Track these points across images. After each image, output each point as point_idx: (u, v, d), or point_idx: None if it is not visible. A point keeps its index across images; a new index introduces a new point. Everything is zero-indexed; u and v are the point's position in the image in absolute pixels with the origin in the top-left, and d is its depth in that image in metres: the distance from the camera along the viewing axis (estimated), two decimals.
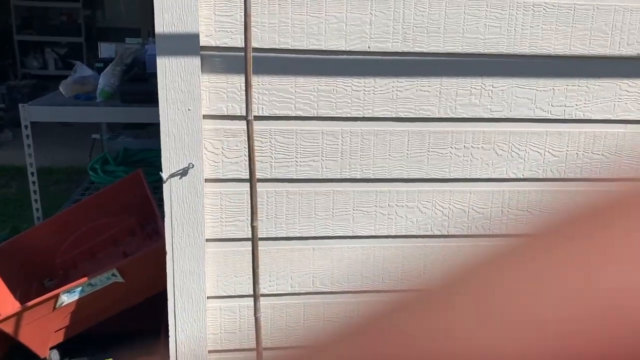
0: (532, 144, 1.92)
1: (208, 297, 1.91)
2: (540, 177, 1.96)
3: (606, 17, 1.83)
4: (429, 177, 1.92)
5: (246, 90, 1.46)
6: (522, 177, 1.95)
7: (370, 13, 1.75)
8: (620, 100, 1.91)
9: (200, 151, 1.77)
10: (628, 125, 1.94)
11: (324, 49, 1.76)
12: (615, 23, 1.84)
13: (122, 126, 5.62)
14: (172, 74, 1.70)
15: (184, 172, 1.78)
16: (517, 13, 1.80)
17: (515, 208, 1.98)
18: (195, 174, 1.78)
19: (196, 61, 1.69)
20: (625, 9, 1.83)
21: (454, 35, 1.79)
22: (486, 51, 1.82)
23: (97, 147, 5.54)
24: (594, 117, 1.91)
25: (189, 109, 1.72)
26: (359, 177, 1.89)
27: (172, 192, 1.79)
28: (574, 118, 1.91)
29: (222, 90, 1.76)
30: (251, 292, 1.69)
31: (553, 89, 1.88)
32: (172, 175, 1.77)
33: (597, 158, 1.96)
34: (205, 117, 1.77)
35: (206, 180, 1.82)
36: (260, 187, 1.84)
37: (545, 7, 1.81)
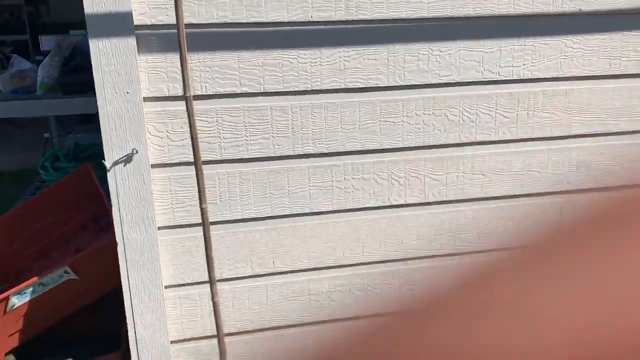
0: (483, 107, 1.92)
1: (166, 287, 1.85)
2: (494, 139, 1.96)
3: None
4: (383, 147, 1.89)
5: (182, 66, 1.39)
6: (475, 140, 1.94)
7: None
8: (566, 57, 1.92)
9: (144, 136, 1.69)
10: (575, 81, 1.95)
11: (265, 21, 1.70)
12: None
13: (74, 122, 5.43)
14: (106, 56, 1.61)
15: (127, 159, 1.70)
16: None
17: (470, 172, 1.97)
18: (140, 160, 1.70)
19: (131, 41, 1.60)
20: None
21: (398, 1, 1.75)
22: (431, 15, 1.79)
23: (49, 146, 5.33)
24: (541, 76, 1.92)
25: (127, 92, 1.64)
26: (312, 152, 1.84)
27: (118, 181, 1.71)
28: (522, 78, 1.91)
29: (162, 70, 1.68)
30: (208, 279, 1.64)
31: (500, 49, 1.87)
32: (115, 163, 1.69)
33: (547, 117, 1.97)
34: (146, 99, 1.69)
35: (153, 166, 1.74)
36: (210, 170, 1.78)
37: None
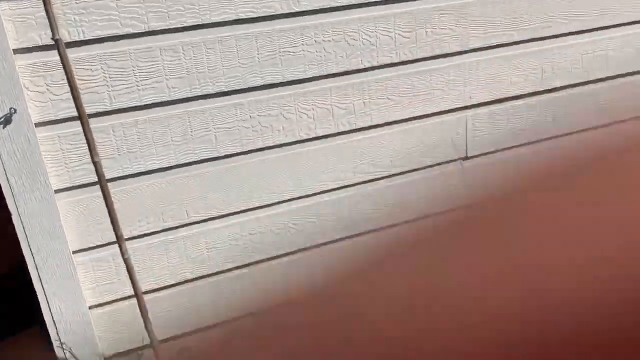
0: (382, 29, 1.89)
1: (74, 252, 1.74)
2: (395, 61, 1.94)
3: None
4: (286, 80, 1.83)
5: (45, 5, 1.25)
6: (377, 64, 1.92)
7: None
8: None
9: (21, 92, 1.53)
10: None
11: None
12: None
13: None
14: None
15: (6, 120, 1.54)
16: None
17: (376, 97, 1.96)
18: (21, 120, 1.55)
19: None
20: None
21: None
22: None
23: None
24: None
25: None
26: (211, 92, 1.75)
27: (0, 146, 1.56)
28: None
29: (30, 17, 1.51)
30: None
31: None
32: None
33: (445, 32, 1.97)
34: (16, 51, 1.52)
35: (37, 125, 1.59)
36: (102, 122, 1.65)
37: None
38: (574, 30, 2.14)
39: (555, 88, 2.20)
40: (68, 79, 1.33)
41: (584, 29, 2.16)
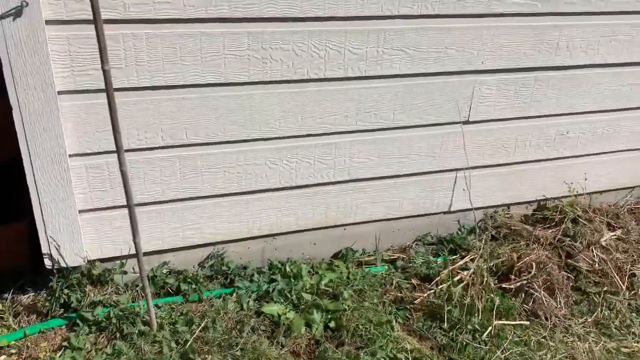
0: None
1: (70, 156, 1.76)
2: (415, 13, 1.91)
3: None
4: (304, 15, 1.80)
5: None
6: (397, 14, 1.89)
7: None
8: None
9: None
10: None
11: None
12: None
13: None
14: None
15: (17, 13, 1.51)
16: None
17: (390, 48, 1.94)
18: (32, 15, 1.52)
19: None
20: None
21: None
22: None
23: None
24: None
25: None
26: (227, 15, 1.72)
27: (7, 37, 1.53)
28: None
29: None
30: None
31: None
32: (3, 17, 1.50)
33: None
34: None
35: (47, 23, 1.56)
36: (113, 30, 1.63)
37: None
38: (596, 10, 2.12)
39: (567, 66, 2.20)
40: None
41: (607, 10, 2.13)
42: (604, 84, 2.30)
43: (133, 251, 1.84)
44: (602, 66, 2.26)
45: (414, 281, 2.15)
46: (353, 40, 1.89)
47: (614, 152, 2.50)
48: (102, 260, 1.98)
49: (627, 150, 2.51)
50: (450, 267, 2.13)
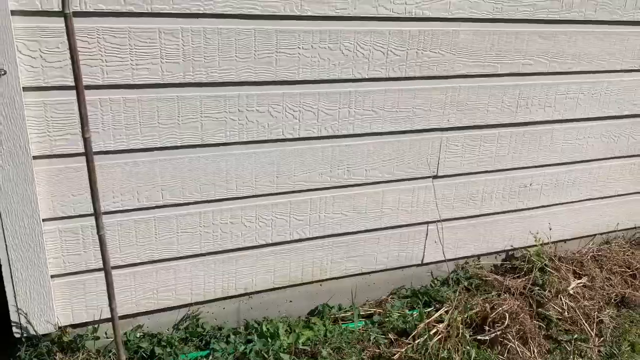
0: (377, 43, 1.94)
1: (44, 220, 1.73)
2: (384, 76, 2.01)
3: None
4: (278, 79, 1.86)
5: None
6: (367, 77, 1.98)
7: None
8: None
9: (13, 54, 1.51)
10: (462, 23, 2.04)
11: None
12: None
13: None
14: None
15: None
16: None
17: (361, 108, 2.02)
18: (10, 82, 1.53)
19: None
20: None
21: None
22: None
23: None
24: (431, 15, 1.97)
25: None
26: (204, 81, 1.77)
27: None
28: (413, 16, 1.95)
29: None
30: (92, 211, 1.55)
31: None
32: None
33: (434, 56, 2.05)
34: (14, 13, 1.50)
35: (25, 89, 1.57)
36: (91, 95, 1.65)
37: None
38: (552, 70, 2.26)
39: (527, 122, 2.33)
40: (71, 51, 1.32)
41: (561, 70, 2.28)
42: (561, 138, 2.43)
43: (106, 315, 1.80)
44: (559, 122, 2.39)
45: (391, 336, 2.16)
46: (326, 102, 1.96)
47: (575, 202, 2.61)
48: (74, 326, 1.92)
49: (586, 200, 2.64)
50: (426, 321, 2.15)
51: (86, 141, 1.38)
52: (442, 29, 2.02)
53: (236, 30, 1.75)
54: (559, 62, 2.26)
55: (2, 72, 1.51)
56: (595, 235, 2.76)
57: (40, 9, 1.52)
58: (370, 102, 2.03)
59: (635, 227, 2.85)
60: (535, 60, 2.22)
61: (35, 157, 1.65)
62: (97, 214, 1.51)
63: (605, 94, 2.42)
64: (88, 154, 1.42)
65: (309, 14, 1.81)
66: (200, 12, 1.68)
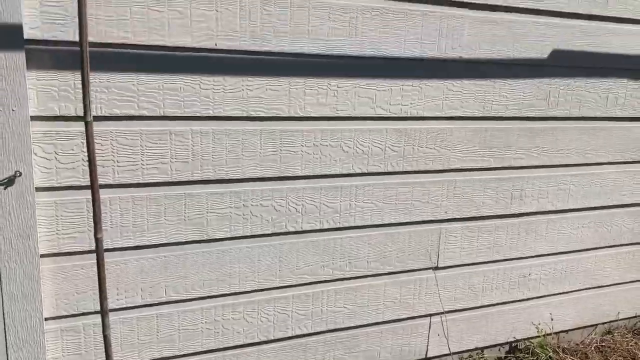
0: (375, 141, 2.04)
1: (46, 319, 1.71)
2: (382, 171, 2.08)
3: (434, 22, 2.01)
4: (282, 175, 1.93)
5: (83, 89, 1.33)
6: (366, 171, 2.06)
7: (217, 10, 1.70)
8: (447, 98, 2.11)
9: (29, 157, 1.57)
10: (455, 121, 2.15)
11: (168, 44, 1.67)
12: (441, 29, 2.03)
13: None
14: None
15: (9, 182, 1.56)
16: (357, 16, 1.89)
17: (362, 201, 2.08)
18: (24, 183, 1.58)
19: (20, 56, 1.49)
20: (449, 16, 2.02)
21: (300, 37, 1.82)
22: (329, 52, 1.88)
23: None
24: (426, 115, 2.09)
25: (13, 110, 1.51)
26: (212, 178, 1.83)
27: None
28: (409, 116, 2.07)
29: (53, 89, 1.58)
30: (96, 309, 1.55)
31: (391, 88, 2.01)
32: None
33: (430, 152, 2.14)
34: (34, 118, 1.57)
35: (38, 189, 1.62)
36: (102, 195, 1.69)
37: (382, 10, 1.92)
38: (542, 164, 2.36)
39: (523, 213, 2.39)
40: (89, 156, 1.38)
41: (551, 164, 2.38)
42: (556, 228, 2.49)
43: None
44: (553, 212, 2.46)
45: None
46: (328, 195, 2.02)
47: (573, 291, 2.62)
48: None
49: (584, 289, 2.65)
50: None
51: (98, 241, 1.41)
52: (437, 127, 2.13)
53: (243, 130, 1.83)
54: (549, 155, 2.36)
55: (18, 174, 1.56)
56: (596, 325, 2.75)
57: (59, 114, 1.60)
58: (370, 195, 2.09)
59: (636, 316, 2.85)
60: (526, 154, 2.32)
61: (42, 256, 1.66)
62: (103, 313, 1.51)
63: (594, 186, 2.51)
64: (99, 254, 1.44)
65: (312, 115, 1.92)
66: (210, 115, 1.77)
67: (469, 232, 2.31)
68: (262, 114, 1.84)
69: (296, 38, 1.82)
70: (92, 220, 1.49)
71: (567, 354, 2.47)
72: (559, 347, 2.51)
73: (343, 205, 2.06)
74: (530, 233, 2.43)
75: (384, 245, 2.16)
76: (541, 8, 2.16)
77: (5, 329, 1.66)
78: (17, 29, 1.48)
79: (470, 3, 2.04)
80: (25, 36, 1.50)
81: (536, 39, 2.18)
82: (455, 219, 2.27)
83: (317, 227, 2.04)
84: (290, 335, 2.09)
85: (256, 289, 1.99)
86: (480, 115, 2.19)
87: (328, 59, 1.88)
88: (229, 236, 1.91)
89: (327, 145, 1.97)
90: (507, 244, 2.40)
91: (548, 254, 2.51)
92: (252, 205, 1.91)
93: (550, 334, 2.56)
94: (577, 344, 2.62)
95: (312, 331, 2.12)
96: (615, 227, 2.63)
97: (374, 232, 2.14)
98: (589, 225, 2.56)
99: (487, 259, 2.38)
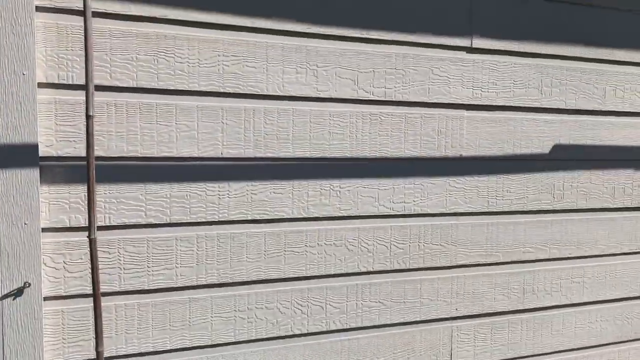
0: (379, 238, 2.05)
1: None
2: (388, 269, 2.08)
3: (432, 124, 2.08)
4: (286, 276, 1.94)
5: (89, 207, 1.39)
6: (372, 270, 2.06)
7: (222, 122, 1.80)
8: (450, 195, 2.14)
9: (38, 268, 1.62)
10: (459, 217, 2.17)
11: (175, 155, 1.76)
12: (440, 129, 2.10)
13: None
14: (5, 186, 1.57)
15: (18, 292, 1.60)
16: (357, 121, 1.97)
17: (368, 300, 2.06)
18: (32, 293, 1.62)
19: (34, 173, 1.58)
20: (447, 117, 2.09)
21: (302, 142, 1.90)
22: (332, 155, 1.95)
23: None
24: (430, 211, 2.11)
25: (25, 224, 1.59)
26: (216, 282, 1.85)
27: (5, 316, 1.60)
28: (413, 213, 2.09)
29: (64, 202, 1.65)
30: None
31: (393, 187, 2.05)
32: (3, 297, 1.59)
33: (436, 248, 2.14)
34: (44, 230, 1.64)
35: (45, 299, 1.66)
36: (107, 302, 1.72)
37: (380, 116, 2.00)
38: (552, 257, 2.33)
39: (536, 308, 2.33)
40: (92, 271, 1.43)
41: (562, 256, 2.35)
42: (573, 323, 2.41)
43: None
44: (568, 306, 2.39)
45: None
46: (333, 295, 2.01)
47: None
48: None
49: None
50: None
51: (99, 355, 1.42)
52: (441, 222, 2.14)
53: (247, 233, 1.87)
54: (559, 248, 2.34)
55: (27, 285, 1.61)
56: None
57: (69, 226, 1.66)
58: (377, 294, 2.07)
59: None
60: (536, 248, 2.30)
61: None
62: None
63: (611, 277, 2.46)
64: None
65: (315, 215, 1.96)
66: (215, 220, 1.82)
67: (481, 330, 2.25)
68: (267, 217, 1.88)
69: (298, 144, 1.89)
70: (95, 332, 1.51)
71: None
72: None
73: (349, 305, 2.04)
74: (546, 328, 2.36)
75: (393, 346, 2.11)
76: (541, 106, 2.23)
77: None
78: (33, 148, 1.58)
79: (468, 105, 2.12)
80: (40, 154, 1.60)
81: (536, 135, 2.23)
82: (466, 316, 2.22)
83: (324, 329, 2.02)
84: None
85: None
86: (485, 210, 2.20)
87: (329, 162, 1.95)
88: (233, 341, 1.89)
89: (331, 245, 1.99)
90: (523, 341, 2.33)
91: (567, 350, 2.41)
92: (256, 308, 1.91)
93: None
94: None
95: None
96: (636, 320, 2.54)
97: (383, 332, 2.10)
98: (608, 318, 2.48)
99: (502, 357, 2.30)
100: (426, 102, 2.06)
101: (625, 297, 2.50)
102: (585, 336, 2.44)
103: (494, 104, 2.16)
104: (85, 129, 1.60)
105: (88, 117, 1.36)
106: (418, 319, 2.14)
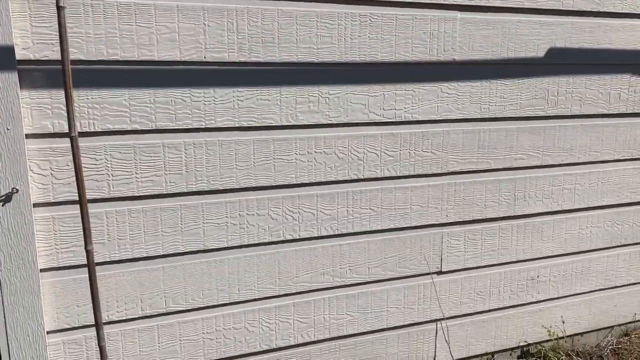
0: (369, 146, 2.04)
1: (48, 332, 1.75)
2: (379, 176, 2.08)
3: (424, 26, 2.01)
4: (277, 184, 1.95)
5: (67, 105, 1.36)
6: (362, 177, 2.06)
7: (204, 23, 1.74)
8: (442, 101, 2.11)
9: (25, 174, 1.61)
10: (451, 124, 2.14)
11: (157, 59, 1.71)
12: (432, 31, 2.03)
13: None
14: None
15: (7, 198, 1.61)
16: (345, 23, 1.90)
17: (359, 207, 2.08)
18: (21, 199, 1.62)
19: (13, 76, 1.54)
20: (439, 19, 2.02)
21: (289, 45, 1.85)
22: (320, 60, 1.90)
23: None
24: (421, 118, 2.08)
25: (7, 129, 1.57)
26: (206, 189, 1.85)
27: None
28: (404, 120, 2.06)
29: (46, 107, 1.63)
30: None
31: (383, 94, 2.01)
32: None
33: (427, 155, 2.13)
34: (28, 136, 1.62)
35: (35, 205, 1.66)
36: (98, 208, 1.73)
37: (370, 17, 1.93)
38: (545, 163, 2.33)
39: (527, 215, 2.35)
40: (76, 170, 1.42)
41: (554, 163, 2.34)
42: (564, 229, 2.44)
43: None
44: (559, 212, 2.41)
45: None
46: (324, 202, 2.03)
47: (585, 293, 2.56)
48: None
49: (597, 290, 2.58)
50: None
51: (88, 253, 1.44)
52: (432, 130, 2.12)
53: (236, 141, 1.86)
54: (552, 155, 2.33)
55: (15, 191, 1.61)
56: (612, 327, 2.67)
57: (53, 131, 1.64)
58: (368, 201, 2.08)
59: None
60: (528, 155, 2.29)
61: (42, 270, 1.70)
62: (98, 325, 1.53)
63: (602, 184, 2.46)
64: (90, 266, 1.47)
65: (304, 122, 1.93)
66: (202, 127, 1.80)
67: (472, 236, 2.28)
68: (255, 124, 1.86)
69: (284, 47, 1.84)
70: (83, 233, 1.52)
71: (581, 357, 2.41)
72: (572, 351, 2.44)
73: (340, 211, 2.06)
74: (536, 234, 2.39)
75: (384, 251, 2.15)
76: (537, 7, 2.15)
77: (8, 342, 1.69)
78: (9, 50, 1.53)
79: (462, 5, 2.04)
80: (17, 57, 1.55)
81: (532, 38, 2.16)
82: (457, 222, 2.25)
83: (315, 235, 2.04)
84: (293, 343, 2.09)
85: (256, 297, 2.00)
86: (478, 116, 2.17)
87: (317, 67, 1.90)
88: (226, 246, 1.92)
89: (320, 153, 1.98)
90: (513, 247, 2.36)
91: (557, 255, 2.46)
92: (247, 214, 1.93)
93: (563, 338, 2.50)
94: (592, 347, 2.55)
95: (315, 339, 2.11)
96: (626, 226, 2.57)
97: (374, 238, 2.13)
98: (599, 224, 2.51)
99: (493, 262, 2.34)
100: (418, 2, 1.99)
101: (616, 203, 2.51)
102: (575, 242, 2.48)
103: (489, 4, 2.08)
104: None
105: (59, 9, 1.31)
106: (409, 225, 2.17)
